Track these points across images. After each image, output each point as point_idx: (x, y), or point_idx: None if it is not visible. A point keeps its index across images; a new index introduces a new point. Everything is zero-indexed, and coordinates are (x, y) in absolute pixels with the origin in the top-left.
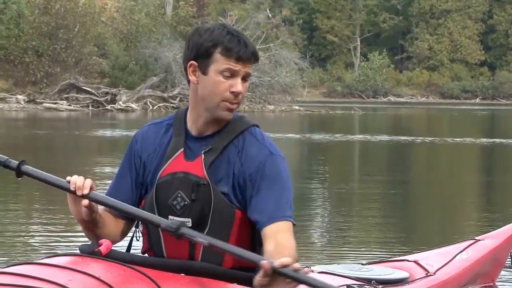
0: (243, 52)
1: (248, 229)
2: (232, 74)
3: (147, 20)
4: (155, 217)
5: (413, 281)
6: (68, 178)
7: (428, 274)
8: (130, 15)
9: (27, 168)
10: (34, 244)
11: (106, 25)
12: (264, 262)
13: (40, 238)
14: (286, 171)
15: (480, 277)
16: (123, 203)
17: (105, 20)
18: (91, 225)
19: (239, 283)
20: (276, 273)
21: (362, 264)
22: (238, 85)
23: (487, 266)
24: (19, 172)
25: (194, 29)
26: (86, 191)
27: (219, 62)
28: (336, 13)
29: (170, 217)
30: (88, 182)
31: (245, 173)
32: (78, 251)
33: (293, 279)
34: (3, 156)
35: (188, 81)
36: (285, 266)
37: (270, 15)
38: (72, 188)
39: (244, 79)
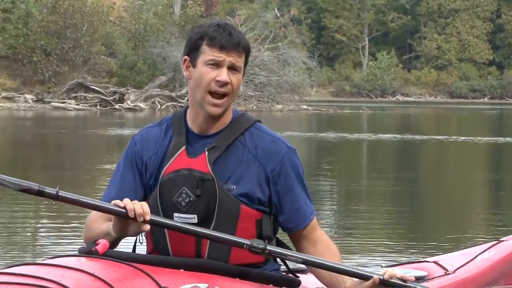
0: (225, 41)
1: (253, 224)
2: (217, 64)
3: (155, 20)
4: (238, 239)
5: (431, 279)
6: (118, 203)
7: (447, 273)
8: (138, 14)
9: (65, 193)
10: (42, 244)
11: (114, 24)
12: (376, 277)
13: (48, 238)
14: (301, 164)
15: (504, 278)
16: (189, 225)
17: (113, 19)
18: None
19: (242, 278)
20: (383, 285)
21: (381, 267)
22: (222, 74)
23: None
24: (56, 199)
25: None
26: (148, 217)
27: (205, 53)
28: (345, 12)
29: (175, 214)
30: (146, 206)
31: (265, 170)
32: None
33: None
34: (34, 184)
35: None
36: (391, 277)
37: (278, 14)
38: (131, 216)
39: (233, 69)
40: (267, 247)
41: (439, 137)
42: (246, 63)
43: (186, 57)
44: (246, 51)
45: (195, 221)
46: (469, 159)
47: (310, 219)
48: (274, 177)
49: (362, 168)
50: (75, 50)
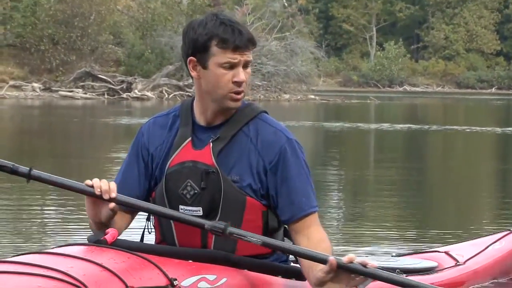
0: (239, 41)
1: (260, 216)
2: (232, 65)
3: (163, 9)
4: (197, 219)
5: (441, 270)
6: (88, 182)
7: (458, 263)
8: (146, 4)
9: (38, 173)
10: (49, 232)
11: (122, 13)
12: (331, 259)
13: (56, 226)
14: (304, 157)
15: None
16: (155, 205)
17: (121, 9)
18: (104, 225)
19: (250, 269)
20: (341, 269)
21: (392, 256)
22: (240, 74)
23: None
24: (29, 178)
25: (187, 24)
26: (113, 194)
27: (217, 55)
28: (352, 2)
29: (181, 207)
30: (113, 185)
31: (264, 161)
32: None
33: (361, 274)
34: (8, 162)
35: (191, 76)
36: (352, 261)
37: (286, 4)
38: (97, 193)
39: (245, 66)
40: (228, 228)
41: (447, 127)
42: None
43: (192, 58)
44: (255, 45)
45: (200, 213)
46: (477, 149)
47: (306, 212)
48: (272, 168)
49: (369, 157)
50: (83, 39)
